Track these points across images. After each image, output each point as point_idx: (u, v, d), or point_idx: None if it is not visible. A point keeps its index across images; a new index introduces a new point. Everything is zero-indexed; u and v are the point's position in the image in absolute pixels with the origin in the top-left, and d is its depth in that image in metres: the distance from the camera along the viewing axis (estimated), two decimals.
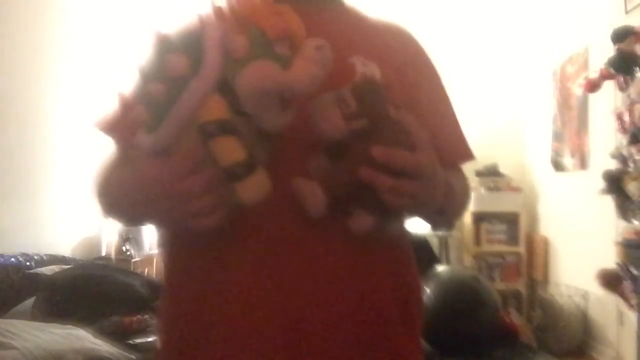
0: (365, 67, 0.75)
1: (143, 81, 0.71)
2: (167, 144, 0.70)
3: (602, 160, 3.26)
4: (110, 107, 0.90)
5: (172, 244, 0.89)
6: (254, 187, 0.69)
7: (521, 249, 4.85)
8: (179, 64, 0.68)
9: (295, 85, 0.68)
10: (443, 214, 0.90)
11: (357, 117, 0.71)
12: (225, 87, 0.68)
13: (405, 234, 0.92)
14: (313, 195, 0.73)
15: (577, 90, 4.08)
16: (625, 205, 2.84)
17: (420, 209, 0.79)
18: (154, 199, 0.73)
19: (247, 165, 0.68)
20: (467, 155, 0.99)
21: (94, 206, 0.90)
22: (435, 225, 1.03)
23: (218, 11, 0.71)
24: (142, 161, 0.74)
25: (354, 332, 0.82)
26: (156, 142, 0.70)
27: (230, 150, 0.67)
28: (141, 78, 0.72)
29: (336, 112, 0.72)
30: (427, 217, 0.90)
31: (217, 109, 0.68)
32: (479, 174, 4.84)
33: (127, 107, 0.88)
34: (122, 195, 0.82)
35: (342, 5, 0.96)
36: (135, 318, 2.73)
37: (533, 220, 4.92)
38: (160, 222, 0.85)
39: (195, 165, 0.69)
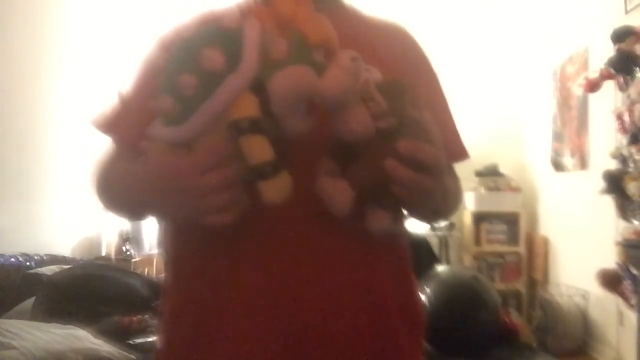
0: (368, 73, 0.76)
1: (171, 72, 0.70)
2: (192, 138, 0.70)
3: (602, 160, 3.26)
4: (107, 106, 0.90)
5: (174, 243, 0.89)
6: (279, 188, 0.69)
7: (521, 249, 4.85)
8: (215, 59, 0.67)
9: (329, 93, 0.68)
10: (437, 213, 0.91)
11: (385, 115, 0.72)
12: (258, 87, 0.68)
13: (405, 235, 0.93)
14: (342, 192, 0.73)
15: (577, 90, 4.08)
16: (625, 205, 2.84)
17: (426, 206, 0.79)
18: (169, 192, 0.72)
19: (275, 165, 0.68)
20: (463, 154, 0.99)
21: (94, 201, 0.89)
22: (426, 222, 1.04)
23: (259, 11, 0.71)
24: (157, 153, 0.73)
25: (358, 336, 0.82)
26: (181, 134, 0.70)
27: (261, 149, 0.67)
28: (169, 69, 0.71)
29: (365, 110, 0.71)
30: (423, 215, 0.90)
31: (251, 107, 0.68)
32: (479, 174, 4.84)
33: (126, 105, 0.88)
34: (128, 188, 0.81)
35: (341, 4, 0.96)
36: (135, 318, 2.73)
37: (533, 220, 4.92)
38: (170, 216, 0.84)
39: (219, 161, 0.69)
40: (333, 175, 0.75)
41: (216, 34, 0.71)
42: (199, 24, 0.84)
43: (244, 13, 0.72)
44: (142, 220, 0.95)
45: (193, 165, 0.69)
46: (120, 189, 0.84)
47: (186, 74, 0.68)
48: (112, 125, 0.89)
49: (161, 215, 0.83)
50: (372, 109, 0.72)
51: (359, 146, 0.73)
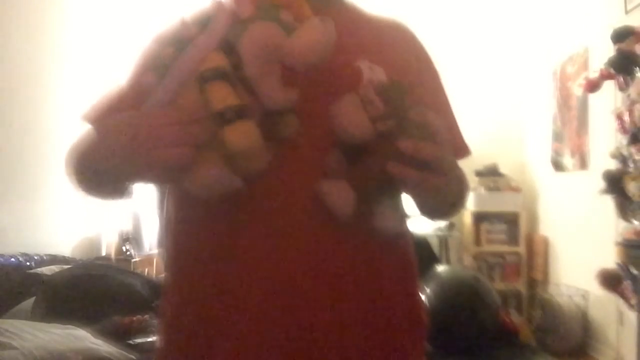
0: (372, 72, 0.76)
1: (157, 55, 0.73)
2: (169, 98, 0.70)
3: (602, 160, 3.26)
4: (97, 99, 0.89)
5: (174, 244, 0.88)
6: (242, 133, 0.68)
7: (521, 249, 4.85)
8: (189, 29, 0.70)
9: (298, 52, 0.68)
10: (453, 206, 0.92)
11: (385, 118, 0.72)
12: (229, 48, 0.69)
13: (409, 236, 0.93)
14: (344, 195, 0.73)
15: (577, 90, 4.08)
16: (625, 205, 2.83)
17: (435, 203, 0.79)
18: (134, 143, 0.71)
19: (238, 111, 0.68)
20: (466, 151, 1.00)
21: (72, 183, 0.88)
22: (438, 218, 1.04)
23: None
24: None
25: (361, 334, 0.82)
26: (158, 96, 0.71)
27: (223, 94, 0.68)
28: (156, 55, 0.74)
29: (363, 113, 0.72)
30: (432, 212, 0.91)
31: (217, 60, 0.69)
32: (479, 174, 4.84)
33: (117, 98, 0.88)
34: (99, 150, 0.78)
35: (343, 4, 0.96)
36: (135, 318, 2.72)
37: (533, 220, 4.92)
38: (133, 173, 0.78)
39: (184, 116, 0.69)
40: (336, 173, 0.75)
41: (193, 13, 0.75)
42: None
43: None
44: (116, 196, 0.91)
45: (157, 117, 0.70)
46: (93, 157, 0.81)
47: (166, 47, 0.71)
48: (102, 118, 0.88)
49: (127, 173, 0.78)
50: (370, 112, 0.72)
51: (359, 148, 0.73)
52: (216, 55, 0.69)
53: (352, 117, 0.72)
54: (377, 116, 0.72)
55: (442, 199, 0.77)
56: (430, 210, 0.85)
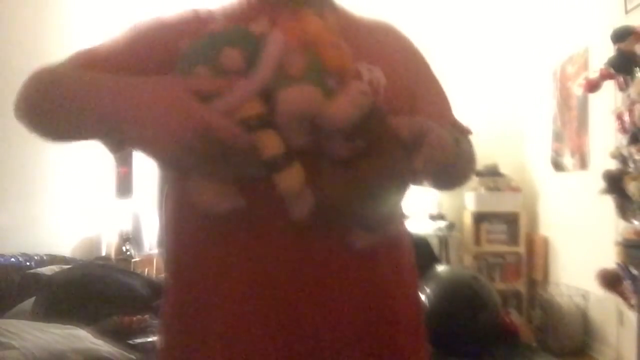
0: (371, 73, 0.76)
1: (190, 59, 0.74)
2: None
3: (602, 160, 3.26)
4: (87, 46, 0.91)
5: (175, 244, 0.89)
6: (293, 178, 0.72)
7: (521, 249, 4.85)
8: (234, 59, 0.71)
9: (332, 118, 0.71)
10: (465, 176, 0.99)
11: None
12: (266, 96, 0.71)
13: (408, 237, 0.93)
14: (303, 201, 0.75)
15: (577, 90, 4.08)
16: (625, 205, 2.84)
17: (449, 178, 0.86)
18: (175, 114, 0.68)
19: (286, 158, 0.71)
20: (465, 131, 1.01)
21: (24, 110, 0.85)
22: (446, 186, 1.07)
23: (286, 24, 0.74)
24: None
25: (361, 336, 0.82)
26: None
27: (272, 143, 0.70)
28: (189, 55, 0.75)
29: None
30: (450, 185, 0.99)
31: (257, 107, 0.71)
32: (479, 174, 4.84)
33: (103, 49, 0.91)
34: (105, 96, 0.74)
35: (334, 7, 0.97)
36: (135, 318, 2.72)
37: (533, 220, 4.92)
38: (143, 142, 0.71)
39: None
40: (325, 177, 0.75)
41: (241, 36, 0.74)
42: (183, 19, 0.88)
43: (272, 22, 0.73)
44: (73, 139, 0.85)
45: (226, 103, 0.69)
46: (86, 96, 0.77)
47: (202, 65, 0.72)
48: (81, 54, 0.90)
49: (130, 138, 0.72)
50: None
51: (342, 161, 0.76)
52: (255, 102, 0.71)
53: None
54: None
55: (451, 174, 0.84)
56: (441, 185, 0.92)
